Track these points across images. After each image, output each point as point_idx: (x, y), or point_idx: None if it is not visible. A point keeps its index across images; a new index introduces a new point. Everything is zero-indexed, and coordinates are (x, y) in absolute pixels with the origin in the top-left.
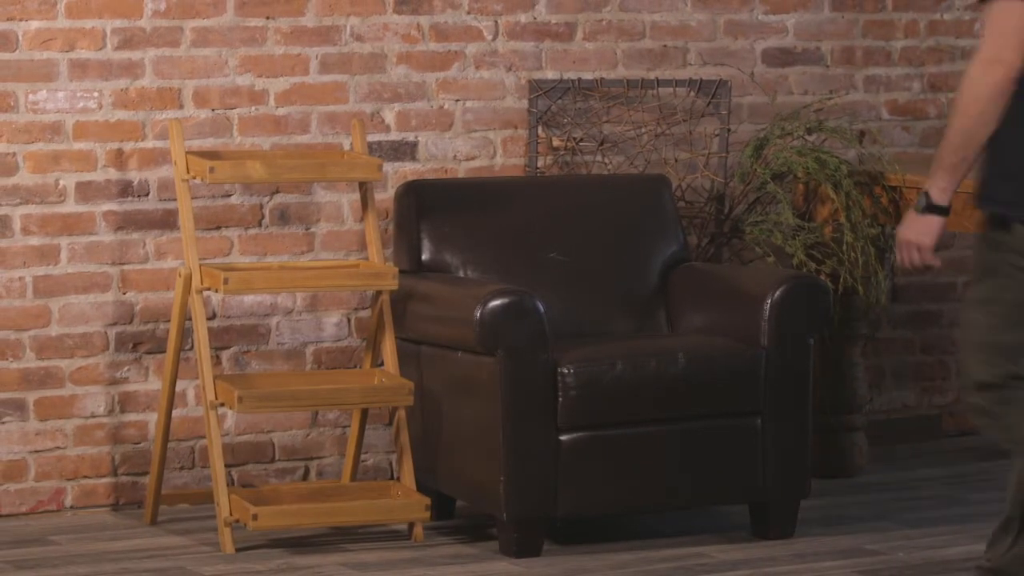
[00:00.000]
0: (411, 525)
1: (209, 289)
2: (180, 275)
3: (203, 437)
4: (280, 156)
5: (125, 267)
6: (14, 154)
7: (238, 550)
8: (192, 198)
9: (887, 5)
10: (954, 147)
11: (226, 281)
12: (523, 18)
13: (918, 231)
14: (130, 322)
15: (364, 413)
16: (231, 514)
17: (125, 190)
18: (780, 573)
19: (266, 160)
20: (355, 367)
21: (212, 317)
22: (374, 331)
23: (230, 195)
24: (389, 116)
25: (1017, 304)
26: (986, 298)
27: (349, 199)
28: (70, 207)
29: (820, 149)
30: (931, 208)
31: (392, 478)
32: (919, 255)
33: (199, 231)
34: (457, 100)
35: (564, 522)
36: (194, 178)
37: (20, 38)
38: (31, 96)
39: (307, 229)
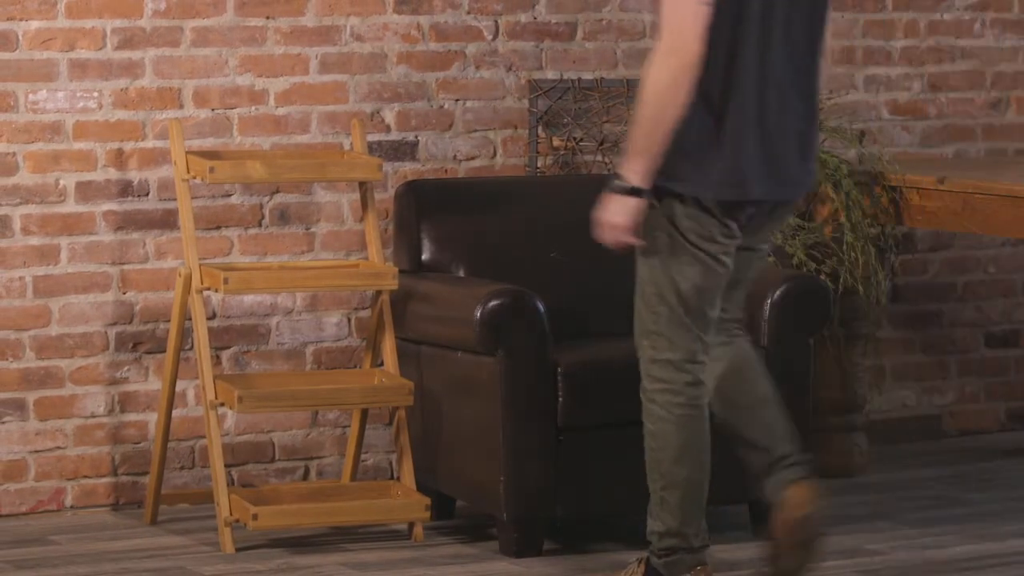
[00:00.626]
0: (411, 525)
1: (209, 289)
2: (180, 275)
3: (203, 437)
4: (280, 156)
5: (125, 267)
6: (14, 154)
7: (238, 550)
8: (192, 198)
9: (887, 5)
10: (643, 134)
11: (226, 281)
12: (523, 18)
13: (617, 212)
14: (130, 322)
15: (364, 413)
16: (231, 514)
17: (125, 190)
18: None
19: (266, 160)
20: (355, 367)
21: (212, 317)
22: (374, 331)
23: (230, 195)
24: (389, 116)
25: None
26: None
27: (349, 199)
28: (70, 207)
29: (820, 149)
30: (628, 191)
31: (392, 478)
32: (619, 234)
33: (199, 231)
34: (457, 100)
35: (564, 522)
36: (194, 178)
37: (20, 38)
38: (31, 96)
39: (307, 229)
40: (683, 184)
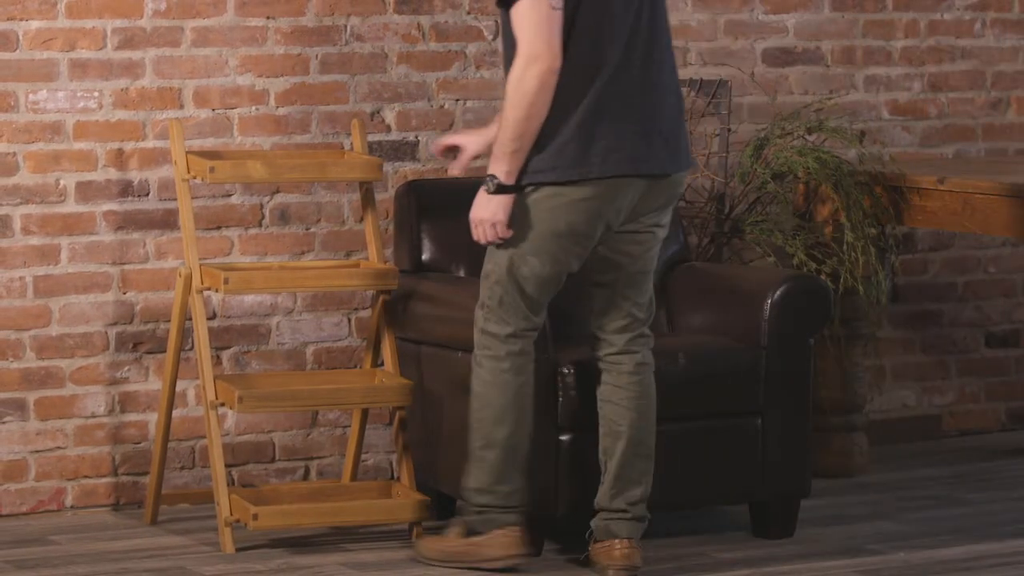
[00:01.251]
0: (411, 525)
1: (209, 289)
2: (180, 275)
3: (203, 437)
4: (280, 156)
5: (125, 267)
6: (14, 154)
7: (238, 550)
8: (192, 198)
9: (887, 5)
10: (511, 137)
11: (226, 281)
12: None
13: (493, 210)
14: (130, 322)
15: (364, 413)
16: (231, 514)
17: (125, 190)
18: (780, 573)
19: (266, 160)
20: (355, 367)
21: (212, 317)
22: (374, 331)
23: (230, 195)
24: (389, 116)
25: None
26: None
27: (349, 199)
28: (70, 207)
29: (820, 149)
30: (501, 189)
31: (392, 478)
32: (495, 230)
33: (199, 231)
34: (457, 100)
35: (564, 522)
36: (194, 178)
37: (20, 38)
38: (31, 96)
39: (307, 229)
40: (541, 173)
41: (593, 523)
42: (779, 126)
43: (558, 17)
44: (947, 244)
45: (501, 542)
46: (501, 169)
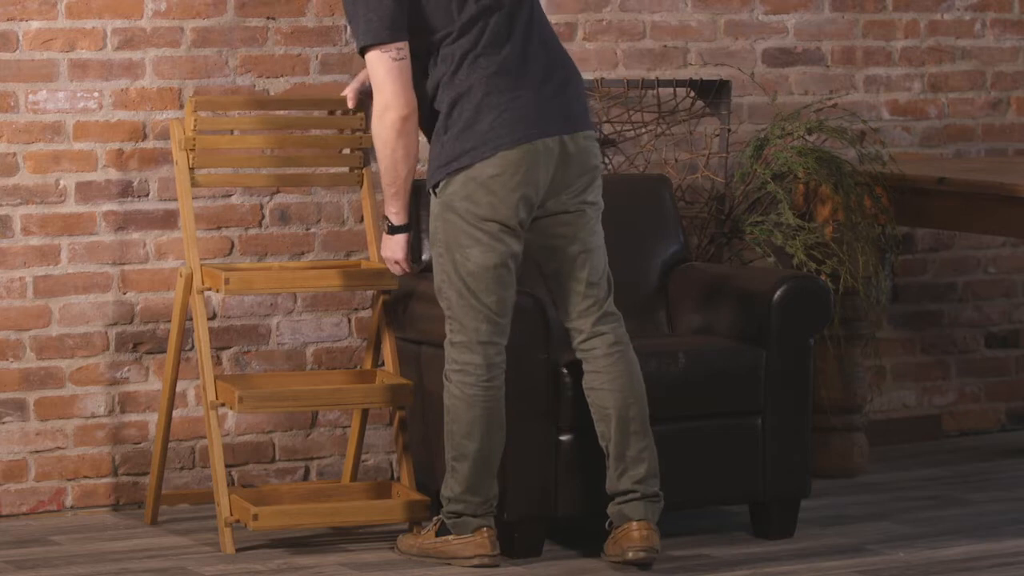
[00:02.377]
0: (411, 525)
1: (210, 289)
2: (181, 275)
3: (203, 437)
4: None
5: (125, 267)
6: (14, 154)
7: (238, 550)
8: (192, 199)
9: (887, 5)
10: (387, 182)
11: (227, 281)
12: None
13: (392, 249)
14: (130, 322)
15: (364, 413)
16: (231, 514)
17: (125, 190)
18: (780, 573)
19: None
20: (355, 367)
21: (212, 317)
22: (374, 331)
23: (230, 195)
24: None
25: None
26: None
27: (349, 199)
28: (70, 207)
29: (820, 149)
30: (394, 229)
31: (392, 478)
32: (400, 266)
33: (199, 231)
34: None
35: (564, 522)
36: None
37: (20, 38)
38: (31, 96)
39: (307, 229)
40: (446, 166)
41: (608, 510)
42: (779, 126)
43: (404, 66)
44: (947, 244)
45: (473, 542)
46: (390, 211)
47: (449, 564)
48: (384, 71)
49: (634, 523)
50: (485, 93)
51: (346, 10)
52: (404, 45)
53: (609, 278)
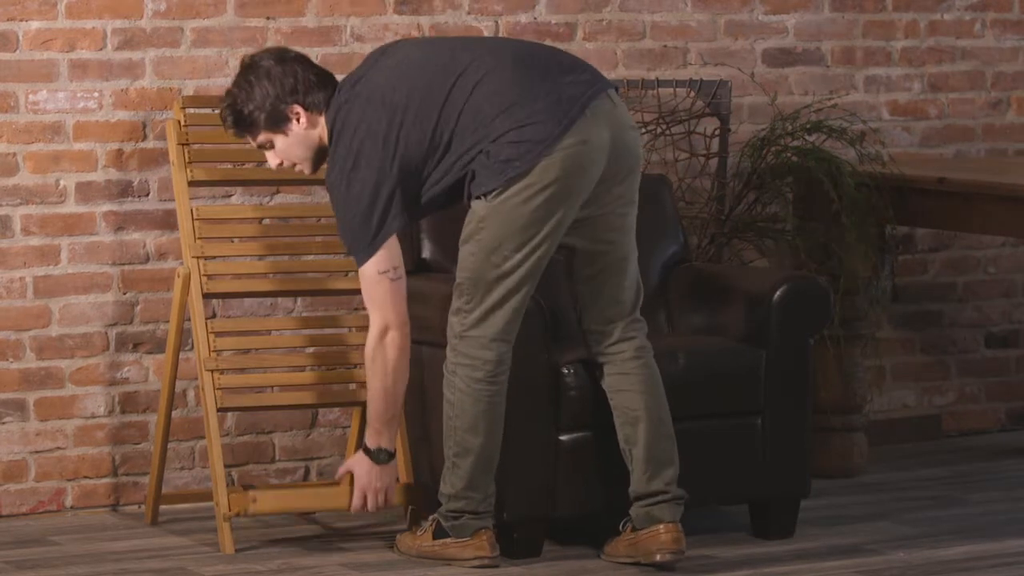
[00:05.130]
0: (410, 524)
1: (209, 291)
2: (179, 275)
3: (203, 437)
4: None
5: (125, 267)
6: (14, 154)
7: (238, 550)
8: (191, 199)
9: (887, 5)
10: (386, 407)
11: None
12: (523, 18)
13: (385, 480)
14: (130, 322)
15: (364, 413)
16: (230, 509)
17: (125, 190)
18: (780, 573)
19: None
20: (355, 367)
21: (212, 317)
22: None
23: (230, 195)
24: None
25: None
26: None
27: None
28: (70, 207)
29: (820, 149)
30: (390, 457)
31: None
32: (386, 496)
33: (199, 230)
34: None
35: (564, 522)
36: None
37: (20, 38)
38: (31, 96)
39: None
40: (500, 175)
41: (632, 512)
42: (779, 126)
43: (395, 287)
44: (947, 244)
45: (472, 544)
46: (385, 439)
47: (448, 564)
48: (383, 292)
49: (662, 526)
50: (511, 114)
51: (336, 215)
52: (400, 263)
53: (639, 285)
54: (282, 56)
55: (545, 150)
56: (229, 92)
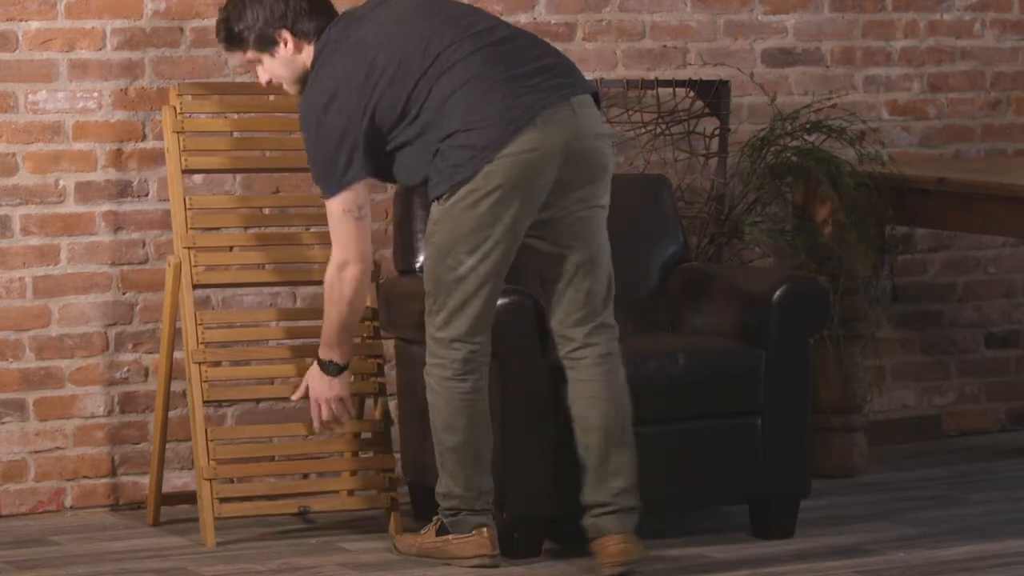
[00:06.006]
0: (389, 511)
1: (201, 285)
2: (170, 265)
3: None
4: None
5: (125, 267)
6: (14, 154)
7: (239, 550)
8: (191, 197)
9: (887, 5)
10: (339, 330)
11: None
12: (523, 18)
13: (337, 389)
14: (130, 322)
15: (363, 413)
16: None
17: (125, 190)
18: (780, 573)
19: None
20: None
21: (212, 309)
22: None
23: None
24: None
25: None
26: None
27: None
28: (70, 207)
29: (820, 149)
30: (341, 370)
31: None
32: (340, 405)
33: (198, 231)
34: None
35: (564, 522)
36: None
37: (20, 38)
38: (31, 96)
39: (307, 229)
40: (448, 179)
41: (584, 522)
42: (779, 126)
43: (360, 226)
44: (947, 244)
45: (472, 542)
46: (336, 354)
47: (449, 564)
48: (347, 228)
49: (609, 537)
50: (470, 108)
51: (305, 145)
52: (364, 204)
53: (609, 290)
54: None
55: (488, 157)
56: (224, 7)
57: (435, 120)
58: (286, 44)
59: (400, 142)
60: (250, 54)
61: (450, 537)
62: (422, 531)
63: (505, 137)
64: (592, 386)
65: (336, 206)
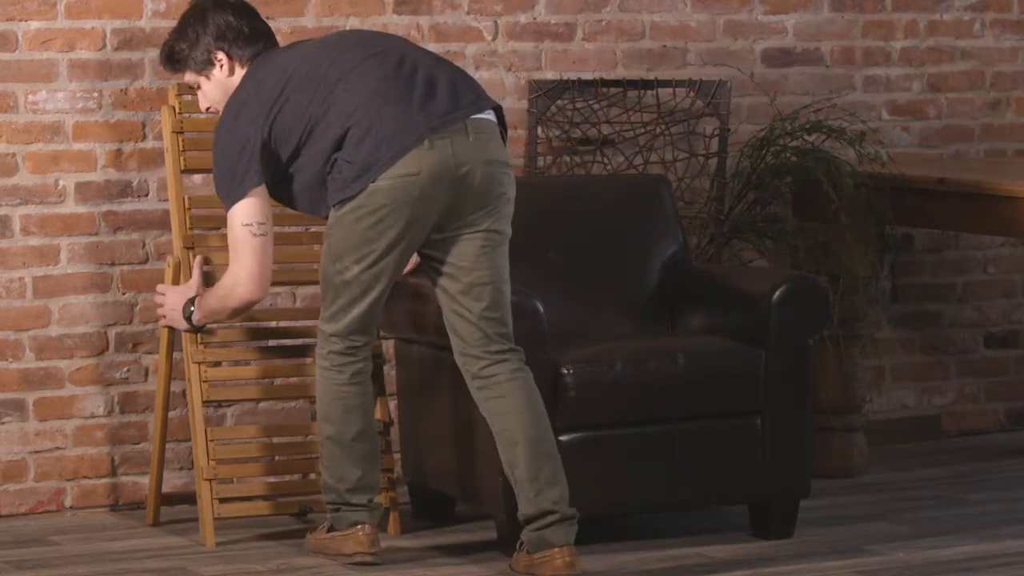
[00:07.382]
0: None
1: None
2: (169, 265)
3: None
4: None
5: (125, 267)
6: (14, 154)
7: (239, 551)
8: (190, 197)
9: (887, 5)
10: (211, 313)
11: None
12: (523, 18)
13: (176, 321)
14: (130, 322)
15: None
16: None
17: (125, 190)
18: (780, 573)
19: None
20: None
21: None
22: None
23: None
24: None
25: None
26: None
27: None
28: (70, 207)
29: (820, 149)
30: (195, 329)
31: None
32: (171, 318)
33: (198, 231)
34: None
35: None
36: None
37: (20, 38)
38: (31, 96)
39: (307, 229)
40: (340, 191)
41: (524, 536)
42: (779, 126)
43: (263, 243)
44: (947, 244)
45: (350, 539)
46: (197, 318)
47: (335, 560)
48: (248, 249)
49: (556, 550)
50: (363, 130)
51: (213, 163)
52: (266, 220)
53: (505, 318)
54: (222, 2)
55: (372, 176)
56: (171, 31)
57: (332, 135)
58: (222, 66)
59: (299, 156)
60: (188, 76)
61: (335, 534)
62: (321, 526)
63: (390, 158)
64: (508, 401)
65: (235, 218)
